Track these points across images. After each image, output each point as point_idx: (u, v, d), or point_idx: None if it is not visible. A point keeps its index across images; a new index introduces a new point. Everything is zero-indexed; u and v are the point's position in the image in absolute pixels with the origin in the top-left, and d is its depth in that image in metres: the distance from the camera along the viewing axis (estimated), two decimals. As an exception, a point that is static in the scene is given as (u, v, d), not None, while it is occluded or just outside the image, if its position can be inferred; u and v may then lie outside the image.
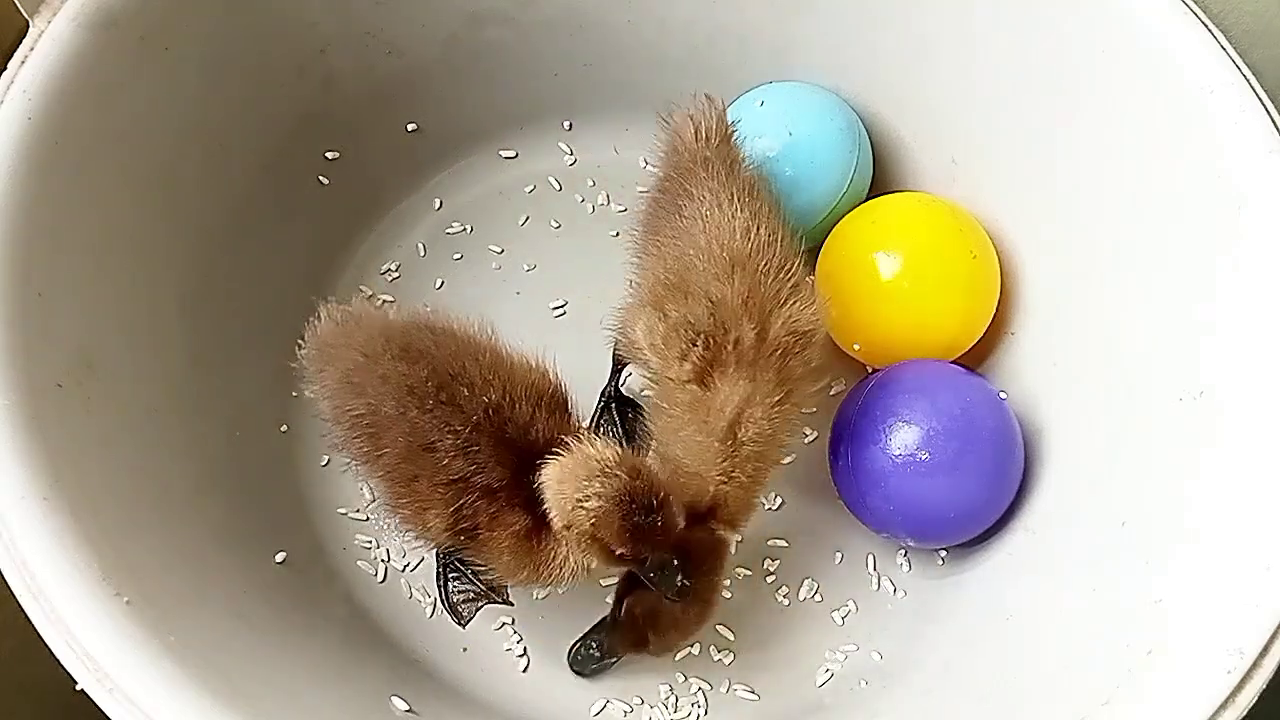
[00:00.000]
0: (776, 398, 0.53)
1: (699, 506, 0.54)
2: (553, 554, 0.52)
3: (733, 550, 0.57)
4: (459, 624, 0.61)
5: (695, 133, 0.59)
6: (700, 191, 0.57)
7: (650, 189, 0.62)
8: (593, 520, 0.48)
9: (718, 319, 0.53)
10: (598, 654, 0.59)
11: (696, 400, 0.54)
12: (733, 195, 0.56)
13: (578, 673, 0.60)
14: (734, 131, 0.61)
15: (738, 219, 0.55)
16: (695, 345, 0.53)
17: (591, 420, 0.64)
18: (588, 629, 0.59)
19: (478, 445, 0.50)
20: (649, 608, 0.55)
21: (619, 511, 0.48)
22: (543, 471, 0.49)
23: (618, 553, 0.49)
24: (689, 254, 0.55)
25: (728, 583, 0.60)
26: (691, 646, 0.62)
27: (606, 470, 0.48)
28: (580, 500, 0.48)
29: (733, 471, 0.54)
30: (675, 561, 0.51)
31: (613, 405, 0.64)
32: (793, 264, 0.56)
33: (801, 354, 0.55)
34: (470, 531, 0.51)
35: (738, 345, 0.53)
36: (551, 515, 0.50)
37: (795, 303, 0.55)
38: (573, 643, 0.59)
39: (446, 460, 0.50)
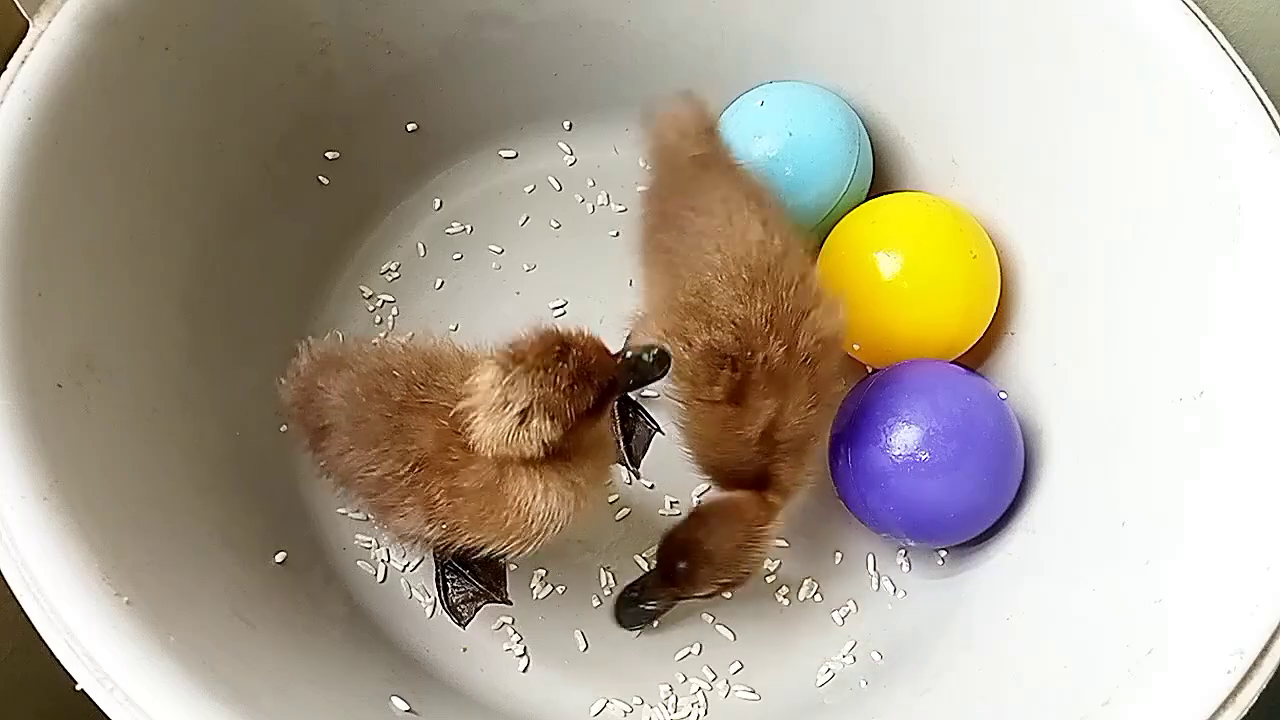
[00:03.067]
0: (810, 404, 0.54)
1: (746, 476, 0.55)
2: (524, 490, 0.50)
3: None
4: (459, 624, 0.61)
5: (678, 134, 0.59)
6: (708, 203, 0.56)
7: (646, 194, 0.61)
8: (541, 404, 0.46)
9: (744, 342, 0.53)
10: (636, 595, 0.59)
11: (729, 417, 0.54)
12: (741, 207, 0.56)
13: (623, 624, 0.61)
14: (716, 124, 0.60)
15: (751, 234, 0.55)
16: (724, 369, 0.54)
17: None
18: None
19: (408, 420, 0.51)
20: (681, 543, 0.56)
21: (551, 387, 0.46)
22: (469, 423, 0.47)
23: (591, 407, 0.47)
24: (706, 275, 0.55)
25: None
26: (691, 646, 0.62)
27: (501, 377, 0.46)
28: (519, 409, 0.46)
29: (776, 459, 0.55)
30: (644, 352, 0.49)
31: (614, 404, 0.64)
32: (809, 270, 0.56)
33: (829, 359, 0.55)
34: (448, 521, 0.52)
35: (767, 363, 0.53)
36: (496, 449, 0.47)
37: (818, 311, 0.55)
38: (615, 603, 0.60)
39: (396, 449, 0.51)
